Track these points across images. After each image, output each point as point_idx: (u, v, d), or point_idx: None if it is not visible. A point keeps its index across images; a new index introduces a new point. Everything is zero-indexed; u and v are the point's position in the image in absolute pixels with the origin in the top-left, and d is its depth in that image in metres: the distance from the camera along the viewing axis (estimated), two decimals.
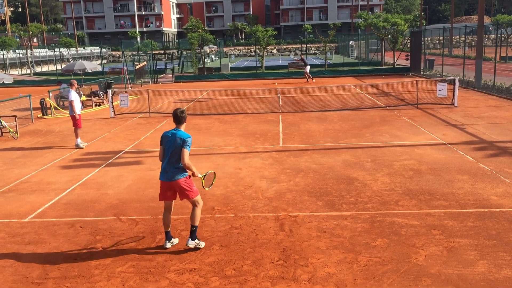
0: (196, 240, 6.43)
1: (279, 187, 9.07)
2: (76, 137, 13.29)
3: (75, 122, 13.20)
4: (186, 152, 6.14)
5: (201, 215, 7.69)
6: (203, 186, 6.54)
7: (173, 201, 6.55)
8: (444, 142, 12.22)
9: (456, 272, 5.60)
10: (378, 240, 6.56)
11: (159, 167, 11.10)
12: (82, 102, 16.58)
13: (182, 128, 6.38)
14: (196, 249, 6.41)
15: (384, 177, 9.41)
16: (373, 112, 17.53)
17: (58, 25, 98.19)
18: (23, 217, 7.96)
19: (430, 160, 10.56)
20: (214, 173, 6.89)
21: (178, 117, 6.34)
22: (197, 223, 6.37)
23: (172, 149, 6.23)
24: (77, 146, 13.20)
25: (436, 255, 6.04)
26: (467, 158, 10.65)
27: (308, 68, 31.07)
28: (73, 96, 13.16)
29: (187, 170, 6.28)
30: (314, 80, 31.03)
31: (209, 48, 54.31)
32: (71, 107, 13.19)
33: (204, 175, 6.57)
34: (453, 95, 17.93)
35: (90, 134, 15.10)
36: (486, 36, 53.59)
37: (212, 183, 6.77)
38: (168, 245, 6.51)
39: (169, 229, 6.56)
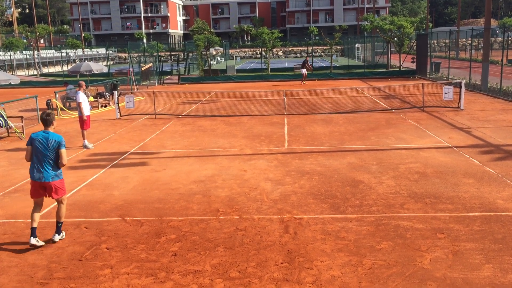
0: (62, 234, 6.98)
1: (284, 189, 9.06)
2: (83, 138, 13.35)
3: (82, 123, 13.26)
4: (64, 152, 6.61)
5: (204, 217, 7.74)
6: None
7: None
8: (450, 145, 12.17)
9: (462, 276, 5.57)
10: (383, 243, 6.54)
11: (165, 169, 11.12)
12: (90, 103, 16.64)
13: (51, 129, 6.72)
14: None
15: (390, 180, 9.38)
16: (378, 114, 17.50)
17: (65, 26, 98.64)
18: (28, 218, 7.98)
19: (436, 163, 10.52)
20: None
21: (45, 120, 6.68)
22: (63, 219, 6.92)
23: (47, 151, 6.55)
24: (85, 147, 13.26)
25: (441, 259, 6.02)
26: (473, 161, 10.60)
27: (303, 71, 32.64)
28: (81, 97, 13.22)
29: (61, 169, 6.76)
30: (303, 83, 32.39)
31: (215, 50, 54.39)
32: (79, 108, 13.25)
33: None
34: (459, 98, 17.87)
35: (96, 135, 15.17)
36: (493, 39, 53.39)
37: None
38: (33, 241, 6.61)
39: (35, 225, 6.71)
